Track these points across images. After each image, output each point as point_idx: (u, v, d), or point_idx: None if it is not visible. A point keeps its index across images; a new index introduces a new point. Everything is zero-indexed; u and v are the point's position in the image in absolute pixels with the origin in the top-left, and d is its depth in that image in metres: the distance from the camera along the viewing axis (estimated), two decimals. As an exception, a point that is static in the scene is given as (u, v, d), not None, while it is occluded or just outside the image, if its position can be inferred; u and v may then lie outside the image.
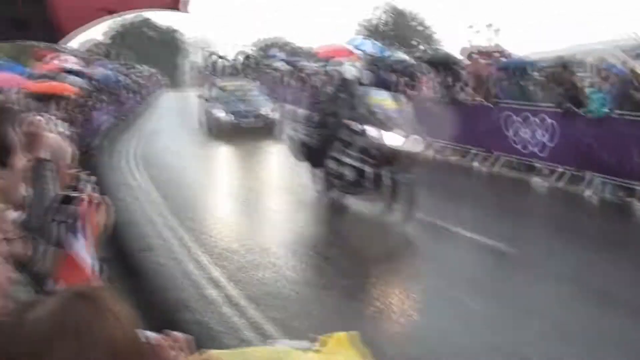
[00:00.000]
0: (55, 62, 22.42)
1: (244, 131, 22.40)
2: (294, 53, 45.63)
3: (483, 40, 45.89)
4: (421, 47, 70.93)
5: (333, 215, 11.76)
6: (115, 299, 1.25)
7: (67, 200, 2.89)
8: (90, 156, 17.38)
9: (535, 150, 14.81)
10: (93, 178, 3.51)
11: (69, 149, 3.54)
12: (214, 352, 1.15)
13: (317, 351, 1.19)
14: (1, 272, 1.53)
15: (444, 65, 18.59)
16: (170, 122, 31.40)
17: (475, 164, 16.75)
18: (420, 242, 10.19)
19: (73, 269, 2.18)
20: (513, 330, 6.73)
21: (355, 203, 11.68)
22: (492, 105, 16.46)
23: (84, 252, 2.36)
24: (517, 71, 16.52)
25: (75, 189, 3.29)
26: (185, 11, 3.42)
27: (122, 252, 8.46)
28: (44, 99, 14.24)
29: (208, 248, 9.74)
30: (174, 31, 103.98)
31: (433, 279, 8.33)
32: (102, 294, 1.26)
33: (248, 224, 11.29)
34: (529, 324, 6.87)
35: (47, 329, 1.14)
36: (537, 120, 14.77)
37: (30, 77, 16.56)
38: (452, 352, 6.29)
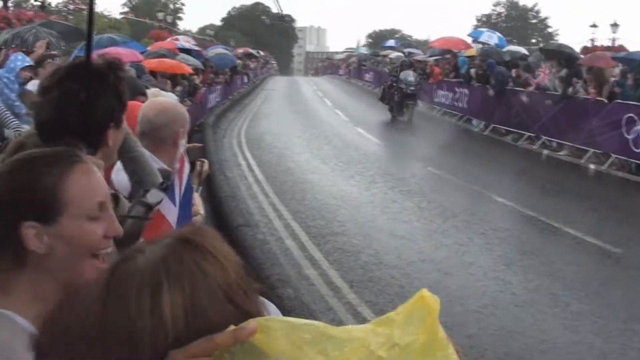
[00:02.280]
0: (172, 41, 23.15)
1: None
2: (408, 44, 45.53)
3: (605, 40, 44.17)
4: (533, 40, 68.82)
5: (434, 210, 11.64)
6: (221, 240, 1.25)
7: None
8: (198, 132, 17.95)
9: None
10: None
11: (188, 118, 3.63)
12: (260, 319, 1.11)
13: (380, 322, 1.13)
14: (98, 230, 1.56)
15: (566, 59, 17.93)
16: (277, 105, 31.87)
17: (587, 162, 16.17)
18: (526, 237, 9.93)
19: (161, 227, 2.20)
20: (619, 334, 6.47)
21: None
22: (608, 102, 15.82)
23: (174, 211, 2.37)
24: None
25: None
26: None
27: (225, 226, 8.65)
28: (161, 76, 14.70)
29: (308, 228, 9.85)
30: (287, 18, 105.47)
31: (536, 276, 8.11)
32: (208, 236, 1.26)
33: (349, 207, 11.28)
34: (634, 328, 6.60)
35: (160, 274, 1.14)
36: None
37: (148, 55, 17.10)
38: (548, 349, 6.11)
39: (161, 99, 4.28)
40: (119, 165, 2.74)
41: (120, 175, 2.85)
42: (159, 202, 2.07)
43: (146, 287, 1.12)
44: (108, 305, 1.13)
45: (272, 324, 1.08)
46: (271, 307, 1.61)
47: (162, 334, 1.10)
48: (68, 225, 1.52)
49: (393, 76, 25.97)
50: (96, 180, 1.60)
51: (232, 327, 1.09)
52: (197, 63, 19.96)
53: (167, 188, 2.09)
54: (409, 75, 24.52)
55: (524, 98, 19.14)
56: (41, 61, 9.04)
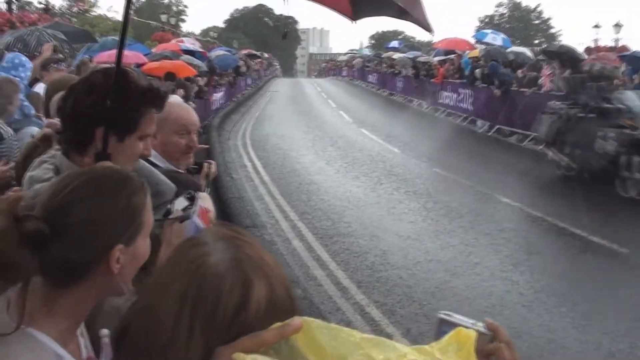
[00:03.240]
0: (176, 43, 23.21)
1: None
2: (411, 46, 45.53)
3: (608, 40, 44.07)
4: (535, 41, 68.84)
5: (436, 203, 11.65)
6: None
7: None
8: (203, 134, 17.98)
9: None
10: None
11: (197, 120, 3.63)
12: (304, 318, 1.13)
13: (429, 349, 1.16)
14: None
15: (569, 59, 17.90)
16: (281, 107, 31.91)
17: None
18: (532, 238, 9.93)
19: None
20: (626, 333, 6.49)
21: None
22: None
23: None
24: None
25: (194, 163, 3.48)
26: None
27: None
28: (165, 79, 14.74)
29: (314, 229, 9.88)
30: (290, 20, 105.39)
31: (543, 276, 8.12)
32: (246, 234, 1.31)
33: (355, 208, 11.30)
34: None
35: (243, 271, 1.19)
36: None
37: (152, 57, 17.16)
38: (556, 348, 6.12)
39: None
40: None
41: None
42: (186, 209, 2.09)
43: (238, 285, 1.17)
44: (197, 308, 1.15)
45: (314, 325, 1.11)
46: None
47: (246, 329, 1.14)
48: (140, 245, 1.56)
49: (580, 102, 14.14)
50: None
51: (277, 324, 1.11)
52: (201, 64, 20.02)
53: (193, 197, 2.12)
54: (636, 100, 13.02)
55: (529, 97, 19.13)
56: (46, 65, 9.07)
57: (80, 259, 1.46)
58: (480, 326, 1.29)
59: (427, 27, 3.13)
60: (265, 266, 1.22)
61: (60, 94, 2.48)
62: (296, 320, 1.11)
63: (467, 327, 1.19)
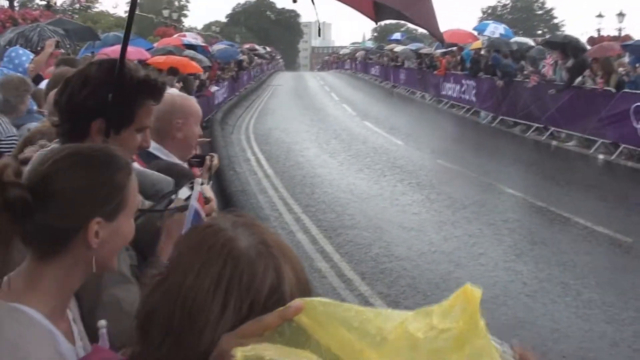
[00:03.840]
0: (178, 37, 23.19)
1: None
2: (414, 38, 45.43)
3: (612, 30, 43.89)
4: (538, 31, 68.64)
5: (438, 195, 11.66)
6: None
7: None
8: (206, 128, 17.99)
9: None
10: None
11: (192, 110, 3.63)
12: (305, 299, 1.16)
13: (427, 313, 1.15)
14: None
15: (572, 49, 17.86)
16: (284, 100, 31.89)
17: (596, 153, 16.15)
18: (536, 228, 9.94)
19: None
20: (630, 322, 6.50)
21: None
22: (616, 92, 15.76)
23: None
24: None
25: (196, 156, 3.53)
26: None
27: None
28: (168, 73, 14.74)
29: (318, 222, 9.91)
30: (293, 14, 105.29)
31: (547, 266, 8.13)
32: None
33: (358, 200, 11.31)
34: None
35: (273, 256, 1.25)
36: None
37: (154, 51, 17.14)
38: (560, 337, 6.14)
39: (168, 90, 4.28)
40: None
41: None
42: (188, 199, 2.10)
43: (270, 269, 1.23)
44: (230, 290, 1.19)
45: (315, 304, 1.12)
46: None
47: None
48: (123, 222, 1.59)
49: None
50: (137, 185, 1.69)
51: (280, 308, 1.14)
52: (204, 59, 20.00)
53: (193, 186, 2.13)
54: None
55: (532, 88, 19.08)
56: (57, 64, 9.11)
57: (60, 226, 1.51)
58: (505, 348, 1.25)
59: (440, 38, 3.19)
60: (288, 251, 1.29)
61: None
62: (297, 301, 1.13)
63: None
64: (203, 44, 24.58)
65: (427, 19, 2.98)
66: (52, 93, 3.45)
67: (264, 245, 1.25)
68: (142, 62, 12.79)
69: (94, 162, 1.58)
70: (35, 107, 6.83)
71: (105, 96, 2.19)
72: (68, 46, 12.56)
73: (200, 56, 19.52)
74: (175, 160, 3.25)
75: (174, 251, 1.32)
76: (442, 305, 1.12)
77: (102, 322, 1.57)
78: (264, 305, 1.18)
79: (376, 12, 3.26)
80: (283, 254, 1.26)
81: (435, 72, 28.50)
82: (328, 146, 17.19)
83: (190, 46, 20.71)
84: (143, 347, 1.25)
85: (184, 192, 2.11)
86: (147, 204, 2.42)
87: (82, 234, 1.52)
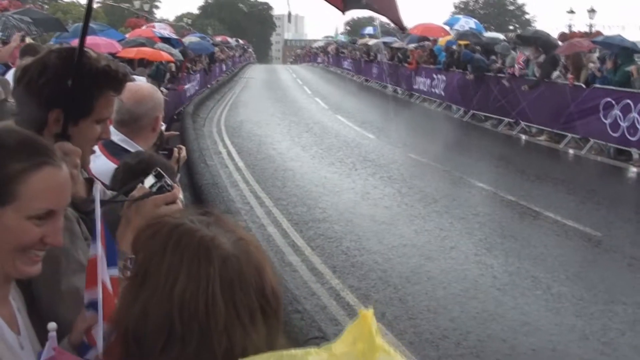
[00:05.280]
0: (149, 29, 22.94)
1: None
2: (386, 32, 45.47)
3: (583, 26, 44.35)
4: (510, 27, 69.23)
5: (411, 187, 11.67)
6: None
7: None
8: (177, 121, 17.86)
9: (629, 136, 14.28)
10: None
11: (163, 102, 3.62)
12: None
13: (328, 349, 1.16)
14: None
15: (543, 45, 17.99)
16: (256, 93, 31.77)
17: (566, 147, 16.31)
18: (506, 222, 9.99)
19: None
20: (599, 316, 6.55)
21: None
22: (586, 87, 15.91)
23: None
24: (619, 55, 15.76)
25: (165, 149, 3.51)
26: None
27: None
28: (138, 65, 14.58)
29: (289, 215, 9.86)
30: (265, 6, 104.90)
31: (517, 259, 8.17)
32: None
33: (330, 194, 11.28)
34: (614, 309, 6.69)
35: (252, 254, 1.30)
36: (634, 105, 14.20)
37: (125, 43, 16.93)
38: (530, 331, 6.17)
39: (137, 85, 4.21)
40: (97, 151, 2.70)
41: (98, 161, 2.82)
42: (152, 186, 2.04)
43: (252, 264, 1.28)
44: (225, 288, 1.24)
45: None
46: None
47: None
48: (9, 217, 1.48)
49: None
50: (59, 186, 1.55)
51: None
52: (177, 54, 19.79)
53: (160, 174, 2.06)
54: None
55: (505, 84, 19.19)
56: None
57: None
58: None
59: (401, 25, 3.19)
60: (260, 246, 1.34)
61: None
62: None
63: None
64: (176, 37, 24.36)
65: (389, 5, 2.98)
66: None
67: (244, 244, 1.29)
68: (113, 55, 12.62)
69: None
70: (2, 97, 6.70)
71: (64, 85, 2.10)
72: (34, 33, 12.34)
73: (174, 50, 19.31)
74: (147, 151, 3.22)
75: (140, 252, 1.28)
76: (340, 336, 1.13)
77: (52, 325, 1.49)
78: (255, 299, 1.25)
79: (344, 2, 3.26)
80: (258, 249, 1.31)
81: (406, 64, 28.59)
82: (300, 139, 17.14)
83: (164, 39, 20.46)
84: (136, 357, 1.25)
85: (149, 181, 2.05)
86: (109, 193, 2.35)
87: None
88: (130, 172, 2.51)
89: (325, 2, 3.22)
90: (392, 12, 2.98)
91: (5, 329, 1.45)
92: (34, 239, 1.51)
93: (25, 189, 1.48)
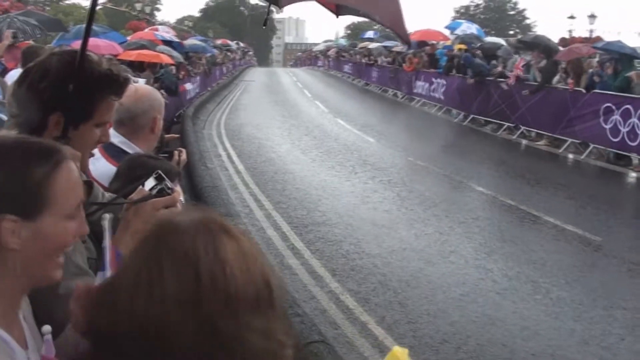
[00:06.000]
0: (151, 31, 22.94)
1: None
2: (387, 36, 45.56)
3: (583, 31, 44.38)
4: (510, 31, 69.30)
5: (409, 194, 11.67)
6: None
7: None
8: (177, 123, 17.86)
9: (629, 141, 14.29)
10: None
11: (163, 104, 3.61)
12: None
13: None
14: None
15: (544, 50, 18.00)
16: (256, 96, 31.76)
17: (566, 152, 16.32)
18: (506, 226, 9.98)
19: None
20: (599, 320, 6.54)
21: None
22: (586, 92, 15.91)
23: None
24: (619, 61, 15.77)
25: (165, 151, 3.50)
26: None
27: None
28: (139, 68, 14.57)
29: (289, 218, 9.86)
30: (266, 10, 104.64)
31: (517, 264, 8.16)
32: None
33: (330, 197, 11.27)
34: (614, 314, 6.68)
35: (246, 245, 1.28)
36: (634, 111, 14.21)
37: (127, 45, 16.92)
38: (530, 335, 6.16)
39: (136, 85, 4.24)
40: (97, 153, 2.70)
41: (98, 163, 2.82)
42: (152, 189, 2.04)
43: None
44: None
45: None
46: None
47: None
48: (48, 223, 1.46)
49: None
50: (77, 178, 1.55)
51: None
52: (178, 56, 19.80)
53: (160, 177, 2.06)
54: None
55: (504, 87, 19.20)
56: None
57: None
58: None
59: (407, 40, 3.21)
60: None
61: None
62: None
63: None
64: (177, 39, 24.37)
65: (394, 20, 2.98)
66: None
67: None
68: (114, 57, 12.60)
69: (9, 156, 1.44)
70: (1, 97, 6.70)
71: (65, 89, 2.10)
72: (38, 36, 12.34)
73: (175, 53, 19.31)
74: (145, 153, 3.21)
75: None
76: None
77: (47, 328, 1.48)
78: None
79: (337, 7, 3.29)
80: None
81: (403, 66, 28.61)
82: (300, 143, 17.14)
83: (166, 42, 20.46)
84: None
85: (149, 183, 2.04)
86: (108, 196, 2.35)
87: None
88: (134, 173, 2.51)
89: (322, 7, 3.23)
90: (398, 27, 2.98)
91: (16, 349, 1.42)
92: (73, 235, 1.53)
93: (55, 191, 1.47)
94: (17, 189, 1.42)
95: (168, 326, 1.16)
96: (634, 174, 13.92)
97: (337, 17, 3.38)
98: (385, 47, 34.16)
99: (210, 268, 1.19)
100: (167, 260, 1.20)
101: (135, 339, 1.18)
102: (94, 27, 15.72)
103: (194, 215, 1.26)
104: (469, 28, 26.93)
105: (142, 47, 16.45)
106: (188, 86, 22.51)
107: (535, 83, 17.84)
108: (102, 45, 13.57)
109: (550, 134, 17.21)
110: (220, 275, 1.19)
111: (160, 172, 2.08)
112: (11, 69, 8.12)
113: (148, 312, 1.17)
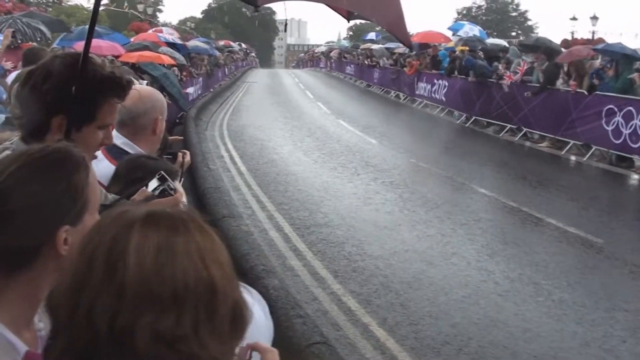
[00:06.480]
0: (154, 33, 22.97)
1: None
2: (389, 37, 45.60)
3: (585, 33, 44.34)
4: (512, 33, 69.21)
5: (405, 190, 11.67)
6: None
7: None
8: (180, 124, 17.87)
9: (631, 143, 14.29)
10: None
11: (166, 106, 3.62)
12: None
13: None
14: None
15: (545, 51, 18.00)
16: (259, 98, 31.77)
17: (568, 154, 16.32)
18: (508, 228, 9.98)
19: None
20: (601, 322, 6.54)
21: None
22: (588, 94, 15.91)
23: None
24: (620, 63, 15.77)
25: (169, 153, 3.52)
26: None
27: (210, 217, 8.61)
28: (141, 69, 14.56)
29: (291, 219, 9.86)
30: (268, 11, 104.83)
31: (519, 266, 8.16)
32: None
33: (332, 198, 11.27)
34: (616, 316, 6.68)
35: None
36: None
37: (130, 46, 16.93)
38: (532, 337, 6.16)
39: (138, 86, 4.25)
40: (100, 155, 2.72)
41: (101, 165, 2.83)
42: (155, 190, 2.05)
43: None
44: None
45: None
46: (253, 292, 1.61)
47: None
48: (89, 221, 1.50)
49: None
50: (95, 174, 1.60)
51: None
52: (182, 59, 19.82)
53: (163, 178, 2.07)
54: None
55: (506, 89, 19.21)
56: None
57: (25, 245, 1.42)
58: None
59: (408, 44, 3.27)
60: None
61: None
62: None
63: None
64: (181, 41, 24.41)
65: (397, 24, 3.00)
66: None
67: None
68: (116, 58, 12.63)
69: (49, 169, 1.47)
70: (4, 96, 6.73)
71: (68, 92, 2.11)
72: (39, 39, 12.36)
73: (177, 55, 19.33)
74: (146, 154, 3.22)
75: None
76: None
77: (40, 325, 1.49)
78: None
79: (349, 13, 3.33)
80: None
81: (404, 69, 28.64)
82: (302, 144, 17.14)
83: (169, 43, 20.47)
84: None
85: (152, 184, 2.05)
86: (111, 197, 2.36)
87: (50, 245, 1.44)
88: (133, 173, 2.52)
89: (331, 10, 3.27)
90: (400, 32, 3.00)
91: (23, 352, 1.42)
92: None
93: (90, 192, 1.52)
94: (67, 202, 1.47)
95: (58, 312, 1.17)
96: (636, 176, 13.92)
97: (348, 21, 3.46)
98: (387, 48, 34.17)
99: (107, 259, 1.14)
100: (78, 248, 1.19)
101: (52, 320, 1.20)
102: (98, 29, 15.79)
103: (129, 209, 1.22)
104: (471, 30, 26.95)
105: (145, 48, 16.46)
106: (189, 86, 22.55)
107: (538, 85, 17.84)
108: (104, 46, 13.60)
109: (552, 136, 17.21)
110: (120, 267, 1.13)
111: (163, 173, 2.09)
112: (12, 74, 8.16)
113: (58, 298, 1.17)
